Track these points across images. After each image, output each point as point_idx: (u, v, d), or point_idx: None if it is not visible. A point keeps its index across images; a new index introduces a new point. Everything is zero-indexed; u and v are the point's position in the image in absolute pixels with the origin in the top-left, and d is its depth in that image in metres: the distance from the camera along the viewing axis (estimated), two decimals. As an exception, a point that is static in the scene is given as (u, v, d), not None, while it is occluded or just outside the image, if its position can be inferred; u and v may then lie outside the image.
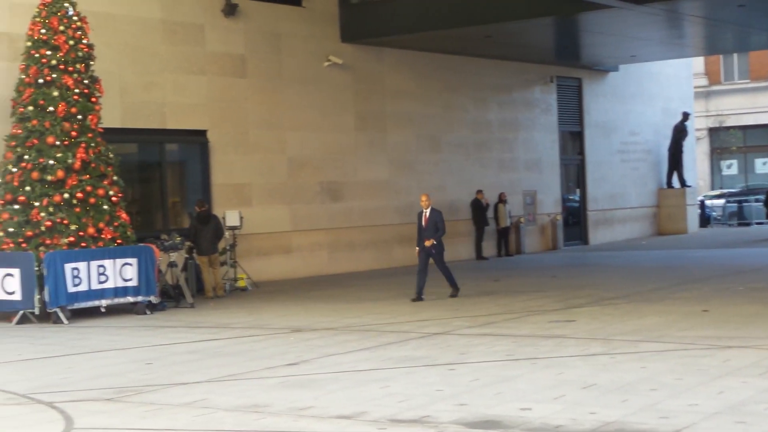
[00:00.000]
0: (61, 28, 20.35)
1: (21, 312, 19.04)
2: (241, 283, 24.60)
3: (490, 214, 33.22)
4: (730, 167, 59.70)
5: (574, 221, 38.66)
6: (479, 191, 32.88)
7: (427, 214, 21.04)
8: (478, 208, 32.84)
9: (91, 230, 19.87)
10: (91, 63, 20.85)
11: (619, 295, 20.51)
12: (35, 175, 19.80)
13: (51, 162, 19.83)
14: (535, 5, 27.50)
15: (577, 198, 38.96)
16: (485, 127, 34.60)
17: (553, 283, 24.10)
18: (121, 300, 20.11)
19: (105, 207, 20.22)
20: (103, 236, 20.09)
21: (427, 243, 20.96)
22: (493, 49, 32.90)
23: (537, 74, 36.61)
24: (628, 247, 36.50)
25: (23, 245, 19.52)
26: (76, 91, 20.34)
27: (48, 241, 19.55)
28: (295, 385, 12.11)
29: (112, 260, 19.81)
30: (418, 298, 20.86)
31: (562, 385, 11.32)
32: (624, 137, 41.03)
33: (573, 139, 38.89)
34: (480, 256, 32.85)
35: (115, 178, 20.76)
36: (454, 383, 11.75)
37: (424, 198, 21.23)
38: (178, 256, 22.27)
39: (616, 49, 35.04)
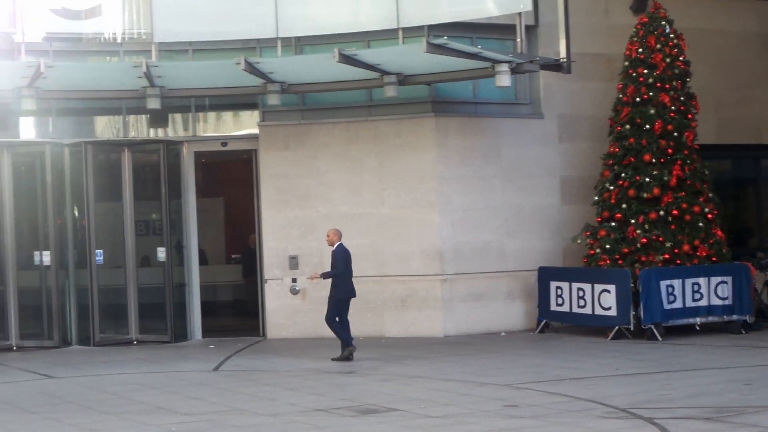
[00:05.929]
0: (658, 46, 20.52)
1: (616, 328, 19.38)
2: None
3: None
4: None
5: None
6: None
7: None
8: None
9: (686, 247, 19.84)
10: (687, 80, 20.86)
11: None
12: (631, 192, 20.11)
13: (647, 179, 20.07)
14: None
15: None
16: None
17: None
18: (715, 318, 19.89)
19: (700, 224, 20.09)
20: (698, 254, 19.99)
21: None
22: None
23: None
24: None
25: (619, 262, 19.85)
26: (672, 108, 20.41)
27: (643, 258, 19.77)
28: None
29: (706, 278, 19.64)
30: (342, 356, 17.09)
31: None
32: None
33: None
34: None
35: (710, 195, 20.61)
36: None
37: (329, 234, 17.62)
38: (774, 275, 21.68)
39: None
